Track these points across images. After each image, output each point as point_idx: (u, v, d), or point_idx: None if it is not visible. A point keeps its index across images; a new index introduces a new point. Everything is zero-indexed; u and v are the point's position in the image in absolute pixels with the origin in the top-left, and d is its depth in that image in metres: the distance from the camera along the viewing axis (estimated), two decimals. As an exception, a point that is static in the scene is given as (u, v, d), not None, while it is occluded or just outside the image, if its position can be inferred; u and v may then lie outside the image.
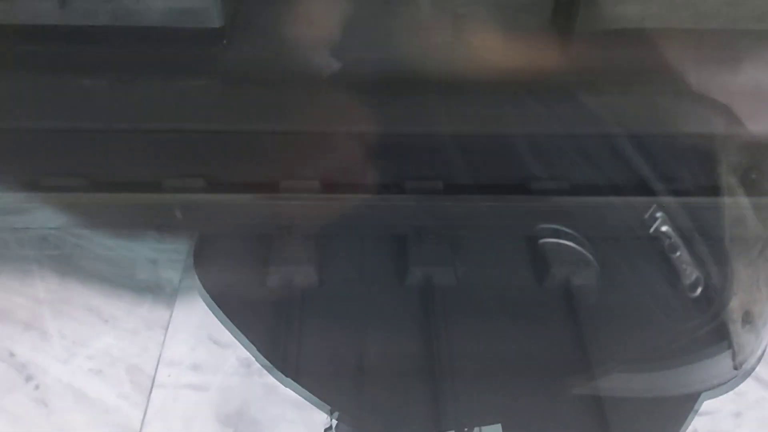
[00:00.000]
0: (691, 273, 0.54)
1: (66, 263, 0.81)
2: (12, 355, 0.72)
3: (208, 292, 0.70)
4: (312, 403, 0.62)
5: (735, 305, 0.53)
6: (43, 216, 0.86)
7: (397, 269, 0.65)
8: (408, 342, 0.63)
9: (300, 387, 0.63)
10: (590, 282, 0.56)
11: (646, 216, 0.55)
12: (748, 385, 0.71)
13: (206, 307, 0.72)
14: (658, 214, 0.54)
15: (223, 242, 0.71)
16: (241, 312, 0.68)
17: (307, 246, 0.68)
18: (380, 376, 0.62)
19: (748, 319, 0.54)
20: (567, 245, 0.56)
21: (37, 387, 0.69)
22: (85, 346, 0.73)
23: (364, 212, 0.61)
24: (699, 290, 0.54)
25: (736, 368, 0.55)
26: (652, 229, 0.54)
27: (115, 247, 0.83)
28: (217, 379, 0.70)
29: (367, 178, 0.62)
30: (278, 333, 0.66)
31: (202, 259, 0.71)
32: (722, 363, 0.55)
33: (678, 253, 0.54)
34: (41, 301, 0.77)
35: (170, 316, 0.75)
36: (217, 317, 0.69)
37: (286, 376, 0.62)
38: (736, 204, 0.52)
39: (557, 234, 0.57)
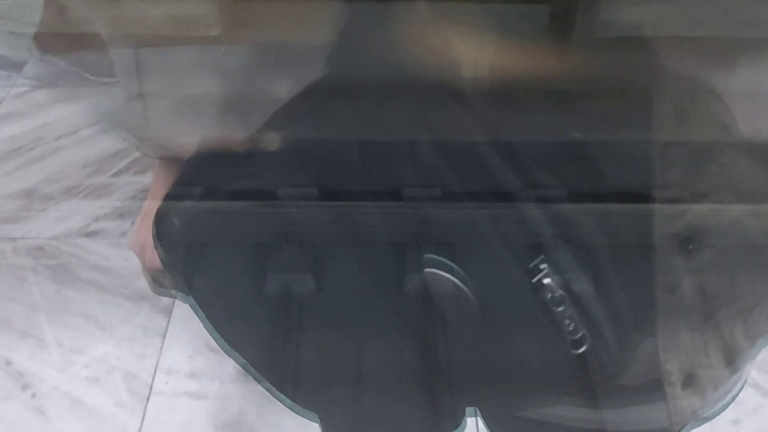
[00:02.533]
0: (576, 330, 0.53)
1: (62, 272, 0.81)
2: (9, 363, 0.72)
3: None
4: (301, 415, 0.62)
5: (673, 368, 0.53)
6: (40, 225, 0.86)
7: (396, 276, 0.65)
8: (405, 350, 0.62)
9: (292, 402, 0.62)
10: None
11: (532, 265, 0.55)
12: (746, 393, 0.71)
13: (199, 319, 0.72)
14: (543, 266, 0.54)
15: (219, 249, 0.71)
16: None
17: (304, 254, 0.68)
18: (378, 386, 0.61)
19: (690, 383, 0.53)
20: None
21: (33, 395, 0.69)
22: (82, 354, 0.73)
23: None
24: (584, 348, 0.53)
25: (671, 429, 0.54)
26: (535, 279, 0.54)
27: (112, 257, 0.83)
28: (214, 387, 0.70)
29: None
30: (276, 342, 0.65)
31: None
32: (655, 416, 0.55)
33: (562, 308, 0.53)
34: (38, 310, 0.77)
35: (167, 324, 0.75)
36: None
37: (282, 390, 0.62)
38: (671, 270, 0.52)
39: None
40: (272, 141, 0.64)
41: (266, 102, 0.65)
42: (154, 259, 0.60)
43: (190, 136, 0.65)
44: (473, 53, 0.62)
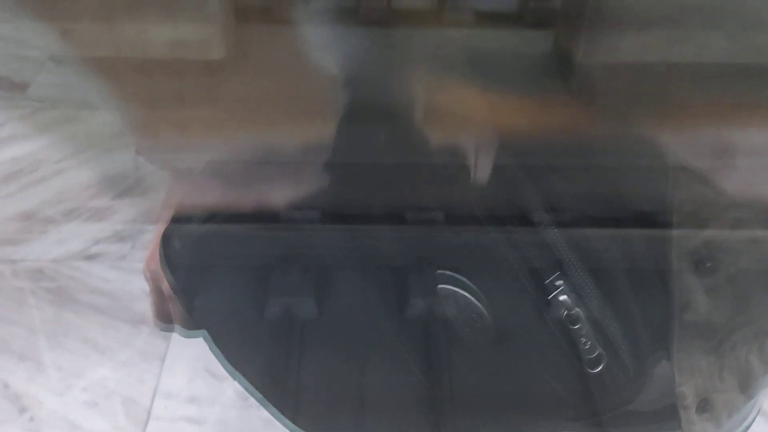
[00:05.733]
0: (592, 348, 0.53)
1: (62, 295, 0.81)
2: (7, 386, 0.71)
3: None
4: None
5: (688, 391, 0.52)
6: (40, 248, 0.86)
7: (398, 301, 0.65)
8: (409, 374, 0.62)
9: (294, 426, 0.62)
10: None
11: (547, 281, 0.54)
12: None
13: (203, 338, 0.71)
14: (559, 282, 0.53)
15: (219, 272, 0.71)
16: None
17: (306, 277, 0.68)
18: (381, 409, 0.61)
19: (705, 407, 0.53)
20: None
21: (31, 419, 0.68)
22: (80, 377, 0.72)
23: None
24: (600, 368, 0.53)
25: None
26: (550, 296, 0.54)
27: (112, 280, 0.82)
28: (214, 411, 0.69)
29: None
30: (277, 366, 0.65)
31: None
32: None
33: (578, 326, 0.53)
34: (37, 333, 0.76)
35: (167, 347, 0.75)
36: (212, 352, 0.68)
37: (284, 413, 0.61)
38: (687, 289, 0.52)
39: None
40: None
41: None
42: (167, 287, 0.60)
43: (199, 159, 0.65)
44: (482, 113, 0.62)
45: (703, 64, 0.53)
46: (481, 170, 0.59)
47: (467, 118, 0.61)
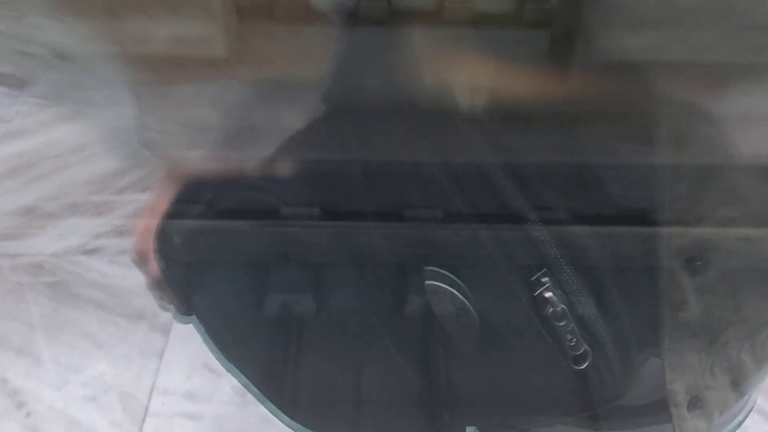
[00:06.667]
0: (578, 345, 0.53)
1: (61, 290, 0.81)
2: (4, 381, 0.71)
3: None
4: None
5: (680, 389, 0.52)
6: (40, 242, 0.86)
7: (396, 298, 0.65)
8: (405, 372, 0.62)
9: (292, 421, 0.62)
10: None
11: (533, 278, 0.54)
12: (751, 419, 0.70)
13: (195, 329, 0.72)
14: (545, 279, 0.53)
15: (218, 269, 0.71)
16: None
17: (305, 274, 0.68)
18: (377, 406, 0.61)
19: (697, 404, 0.52)
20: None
21: (28, 414, 0.68)
22: (78, 372, 0.72)
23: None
24: (586, 365, 0.53)
25: None
26: (536, 293, 0.53)
27: (111, 274, 0.83)
28: (211, 407, 0.69)
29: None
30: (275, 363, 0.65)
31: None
32: None
33: (563, 323, 0.53)
34: (35, 327, 0.77)
35: (165, 343, 0.75)
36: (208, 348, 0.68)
37: (281, 409, 0.61)
38: (678, 287, 0.52)
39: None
40: (279, 166, 0.64)
41: (267, 133, 0.65)
42: (155, 269, 0.60)
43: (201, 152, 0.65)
44: (475, 76, 0.63)
45: (698, 63, 0.53)
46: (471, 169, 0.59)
47: (465, 77, 0.61)
